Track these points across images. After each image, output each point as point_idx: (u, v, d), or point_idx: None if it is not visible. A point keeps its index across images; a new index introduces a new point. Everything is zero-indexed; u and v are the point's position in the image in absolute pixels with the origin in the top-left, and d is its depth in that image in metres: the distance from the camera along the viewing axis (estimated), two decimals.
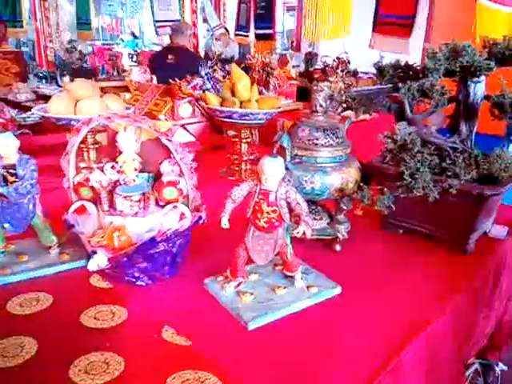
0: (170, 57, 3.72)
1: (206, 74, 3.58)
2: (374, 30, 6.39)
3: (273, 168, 0.95)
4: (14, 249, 1.21)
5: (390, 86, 1.38)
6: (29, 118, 2.74)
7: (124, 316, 0.99)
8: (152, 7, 6.55)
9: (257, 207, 1.01)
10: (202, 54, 6.76)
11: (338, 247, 1.32)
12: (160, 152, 1.12)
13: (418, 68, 1.35)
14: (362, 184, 1.19)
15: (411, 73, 1.35)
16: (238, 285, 1.07)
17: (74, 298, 1.06)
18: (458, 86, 1.39)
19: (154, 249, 1.05)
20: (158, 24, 6.53)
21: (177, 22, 5.86)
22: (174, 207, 1.09)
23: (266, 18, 6.95)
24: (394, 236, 1.43)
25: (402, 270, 1.23)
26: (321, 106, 1.25)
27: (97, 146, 1.85)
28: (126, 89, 2.82)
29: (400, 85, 1.28)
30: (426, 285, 1.17)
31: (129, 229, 1.04)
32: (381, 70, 1.37)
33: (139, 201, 1.07)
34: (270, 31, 6.82)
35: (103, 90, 2.63)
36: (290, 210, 1.03)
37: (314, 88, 1.23)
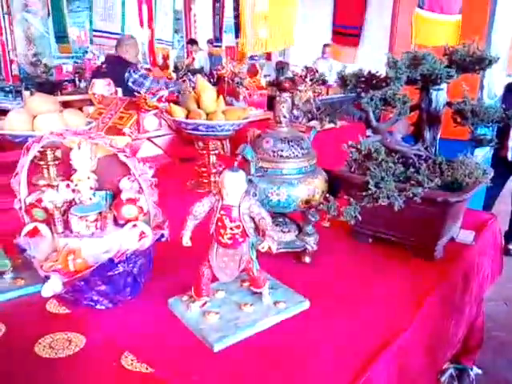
0: (103, 66, 4.02)
1: (133, 82, 3.59)
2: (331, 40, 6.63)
3: (234, 182, 0.92)
4: None
5: (354, 94, 1.38)
6: None
7: (81, 344, 0.93)
8: (91, 16, 6.59)
9: (219, 223, 0.97)
10: (171, 65, 6.73)
11: (307, 259, 1.29)
12: (118, 168, 1.07)
13: (381, 77, 1.36)
14: (328, 195, 1.18)
15: (374, 82, 1.35)
16: (204, 304, 1.03)
17: (28, 326, 0.99)
18: (420, 93, 1.40)
19: (112, 270, 1.00)
20: (96, 34, 6.60)
21: (119, 34, 6.04)
22: (134, 226, 1.04)
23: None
24: (363, 245, 1.42)
25: (371, 280, 1.22)
26: (284, 116, 1.23)
27: (57, 162, 1.78)
28: (92, 102, 2.76)
29: (363, 94, 1.28)
30: (395, 294, 1.15)
31: (85, 250, 0.98)
32: (344, 79, 1.37)
33: (96, 220, 1.02)
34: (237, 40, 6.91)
35: (68, 104, 2.56)
36: (255, 225, 1.00)
37: (277, 99, 1.21)
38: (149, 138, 2.16)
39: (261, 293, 1.07)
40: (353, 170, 1.28)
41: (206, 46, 8.60)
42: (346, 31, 7.08)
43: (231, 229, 0.97)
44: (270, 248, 0.99)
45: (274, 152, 1.21)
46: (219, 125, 1.81)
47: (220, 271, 1.01)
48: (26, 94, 3.36)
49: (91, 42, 6.83)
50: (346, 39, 7.12)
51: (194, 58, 7.45)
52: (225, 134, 1.91)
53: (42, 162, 1.72)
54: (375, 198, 1.10)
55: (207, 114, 1.89)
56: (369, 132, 1.39)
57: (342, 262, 1.33)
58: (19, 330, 0.97)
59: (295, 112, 1.31)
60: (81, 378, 0.83)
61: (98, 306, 1.04)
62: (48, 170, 1.74)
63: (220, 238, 0.98)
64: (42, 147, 1.31)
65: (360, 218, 1.11)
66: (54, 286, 0.96)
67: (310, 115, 1.48)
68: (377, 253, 1.37)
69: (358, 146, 1.22)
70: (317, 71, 3.80)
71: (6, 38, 6.53)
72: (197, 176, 2.05)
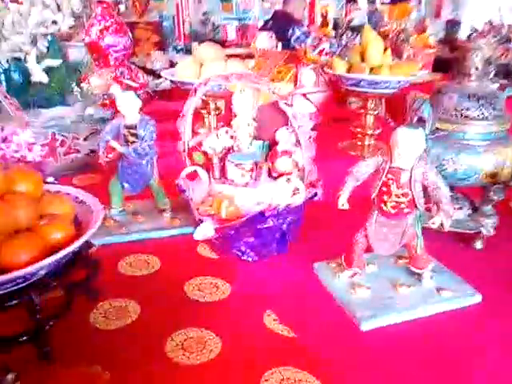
0: (269, 23, 3.87)
1: (296, 39, 3.33)
2: None
3: (410, 141, 0.77)
4: (132, 209, 1.24)
5: None
6: (161, 84, 2.87)
7: (227, 292, 0.93)
8: None
9: (384, 188, 0.84)
10: (331, 23, 6.46)
11: (479, 245, 1.08)
12: (277, 118, 1.01)
13: None
14: None
15: None
16: (353, 275, 0.93)
17: (180, 265, 1.03)
18: None
19: (262, 224, 0.96)
20: None
21: None
22: (288, 180, 0.98)
23: None
24: None
25: None
26: (476, 68, 1.01)
27: (217, 112, 1.83)
28: (253, 57, 2.78)
29: None
30: None
31: (238, 199, 0.96)
32: None
33: (251, 170, 0.99)
34: None
35: (230, 58, 2.61)
36: (425, 195, 0.85)
37: (471, 45, 0.99)
38: (304, 94, 2.08)
39: (421, 274, 0.92)
40: None
41: (365, 3, 8.01)
42: None
43: (397, 196, 0.83)
44: (442, 225, 0.83)
45: (457, 111, 1.01)
46: (384, 81, 1.62)
47: (377, 242, 0.89)
48: (194, 44, 3.57)
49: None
50: None
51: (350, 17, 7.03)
52: (389, 91, 1.71)
53: (204, 111, 1.79)
54: None
55: (371, 69, 1.71)
56: None
57: None
58: (172, 268, 1.02)
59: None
60: (226, 327, 0.82)
61: (244, 257, 1.02)
62: (209, 119, 1.81)
63: (382, 206, 0.85)
64: (205, 96, 1.32)
65: None
66: (206, 230, 0.97)
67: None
68: None
69: None
70: (503, 27, 3.19)
71: None
72: (350, 137, 1.91)
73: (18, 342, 0.69)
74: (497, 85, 1.08)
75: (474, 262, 1.04)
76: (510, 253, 1.08)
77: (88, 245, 0.82)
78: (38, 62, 1.45)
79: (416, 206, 0.84)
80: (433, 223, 0.83)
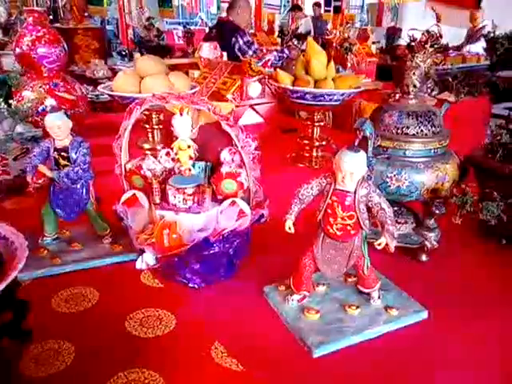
0: (213, 31, 3.81)
1: (239, 48, 3.26)
2: None
3: (353, 164, 0.77)
4: (68, 236, 1.15)
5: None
6: (102, 95, 2.75)
7: (171, 325, 0.87)
8: None
9: (329, 210, 0.83)
10: (276, 30, 6.54)
11: (424, 257, 1.10)
12: (220, 138, 0.97)
13: None
14: (464, 186, 0.96)
15: None
16: (302, 299, 0.91)
17: (121, 296, 0.97)
18: None
19: (208, 250, 0.92)
20: None
21: None
22: (233, 203, 0.94)
23: None
24: (493, 246, 1.18)
25: (503, 292, 1.00)
26: (414, 86, 1.03)
27: (161, 126, 1.76)
28: (198, 66, 2.73)
29: None
30: None
31: (181, 226, 0.92)
32: (493, 42, 1.10)
33: (194, 194, 0.94)
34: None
35: (176, 68, 2.55)
36: (370, 215, 0.84)
37: (408, 64, 1.01)
38: (251, 106, 2.06)
39: (369, 294, 0.92)
40: (498, 157, 1.04)
41: (310, 9, 8.20)
42: None
43: (343, 218, 0.82)
44: (387, 246, 0.83)
45: (397, 128, 1.02)
46: (328, 93, 1.64)
47: (325, 265, 0.87)
48: (137, 55, 3.45)
49: (218, 8, 6.80)
50: None
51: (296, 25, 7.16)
52: (333, 104, 1.72)
53: (147, 125, 1.72)
54: None
55: (315, 82, 1.72)
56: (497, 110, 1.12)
57: (468, 265, 1.11)
58: (112, 301, 0.95)
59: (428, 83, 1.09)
60: (169, 363, 0.77)
61: (190, 284, 0.97)
62: (152, 133, 1.74)
63: (328, 228, 0.84)
64: (148, 110, 1.26)
65: (505, 218, 0.89)
66: (147, 259, 0.92)
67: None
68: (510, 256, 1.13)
69: None
70: (441, 36, 3.34)
71: (123, 2, 6.82)
72: (298, 149, 1.91)
73: None
74: (434, 101, 1.11)
75: (419, 276, 1.06)
76: (453, 265, 1.10)
77: (15, 283, 0.75)
78: None
79: (361, 227, 0.83)
80: (378, 244, 0.83)
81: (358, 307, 0.89)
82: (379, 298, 0.91)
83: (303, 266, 0.88)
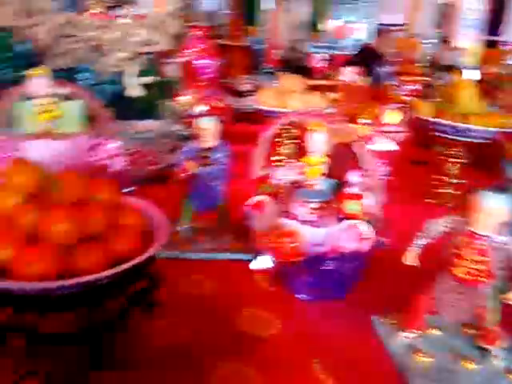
0: (357, 56, 3.79)
1: (387, 71, 3.12)
2: None
3: (495, 207, 0.71)
4: (199, 227, 1.27)
5: None
6: (246, 107, 2.95)
7: (276, 328, 0.91)
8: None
9: (456, 251, 0.78)
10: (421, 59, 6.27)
11: None
12: (350, 159, 0.99)
13: None
14: None
15: None
16: (413, 337, 0.87)
17: (234, 291, 1.04)
18: None
19: (323, 265, 0.94)
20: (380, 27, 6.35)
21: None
22: (355, 225, 0.95)
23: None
24: None
25: None
26: None
27: (295, 141, 1.83)
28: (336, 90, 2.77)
29: None
30: None
31: (301, 237, 0.95)
32: None
33: (318, 209, 0.97)
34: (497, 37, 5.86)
35: (314, 88, 2.63)
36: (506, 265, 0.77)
37: None
38: (386, 132, 2.02)
39: (489, 350, 0.83)
40: None
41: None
42: None
43: (473, 262, 0.76)
44: None
45: None
46: (475, 130, 1.53)
47: (446, 308, 0.82)
48: (280, 73, 3.62)
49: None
50: None
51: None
52: (478, 140, 1.60)
53: (280, 139, 1.81)
54: None
55: (461, 115, 1.62)
56: None
57: None
58: (226, 293, 1.02)
59: None
60: (270, 365, 0.81)
61: (297, 295, 1.00)
62: (285, 147, 1.82)
63: (453, 269, 0.79)
64: (284, 125, 1.33)
65: None
66: (264, 262, 0.97)
67: None
68: None
69: None
70: None
71: (273, 25, 7.25)
72: (429, 183, 1.81)
73: (69, 342, 0.71)
74: None
75: None
76: None
77: (152, 258, 0.85)
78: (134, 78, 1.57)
79: (492, 276, 0.77)
80: (505, 298, 0.75)
81: (474, 362, 0.82)
82: (501, 357, 0.82)
83: (420, 303, 0.84)
